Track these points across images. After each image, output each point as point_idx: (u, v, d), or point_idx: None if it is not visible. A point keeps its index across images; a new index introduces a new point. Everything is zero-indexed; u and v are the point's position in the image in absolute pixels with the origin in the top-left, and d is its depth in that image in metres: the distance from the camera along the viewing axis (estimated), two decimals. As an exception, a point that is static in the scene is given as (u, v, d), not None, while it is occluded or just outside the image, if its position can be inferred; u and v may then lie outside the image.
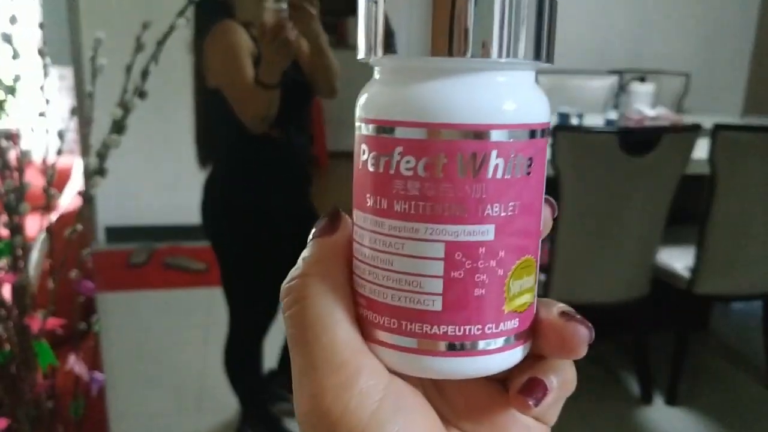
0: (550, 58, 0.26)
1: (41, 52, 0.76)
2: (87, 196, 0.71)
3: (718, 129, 1.81)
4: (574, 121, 2.31)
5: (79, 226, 0.72)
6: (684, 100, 3.36)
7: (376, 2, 0.25)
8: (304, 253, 0.28)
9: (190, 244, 3.30)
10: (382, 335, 0.26)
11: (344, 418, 0.24)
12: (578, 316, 0.27)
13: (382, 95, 0.26)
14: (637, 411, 2.03)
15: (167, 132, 3.19)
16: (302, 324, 0.26)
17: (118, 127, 0.66)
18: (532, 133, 0.25)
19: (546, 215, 0.28)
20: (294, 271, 0.27)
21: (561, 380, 0.27)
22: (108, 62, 0.72)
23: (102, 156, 0.64)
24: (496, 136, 0.24)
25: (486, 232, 0.25)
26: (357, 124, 0.26)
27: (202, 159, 1.63)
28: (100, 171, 0.64)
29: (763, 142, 1.82)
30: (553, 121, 2.35)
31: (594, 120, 2.47)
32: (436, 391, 0.28)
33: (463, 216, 0.24)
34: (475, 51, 0.24)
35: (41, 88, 0.76)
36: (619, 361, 2.31)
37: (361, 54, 0.26)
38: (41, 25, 0.77)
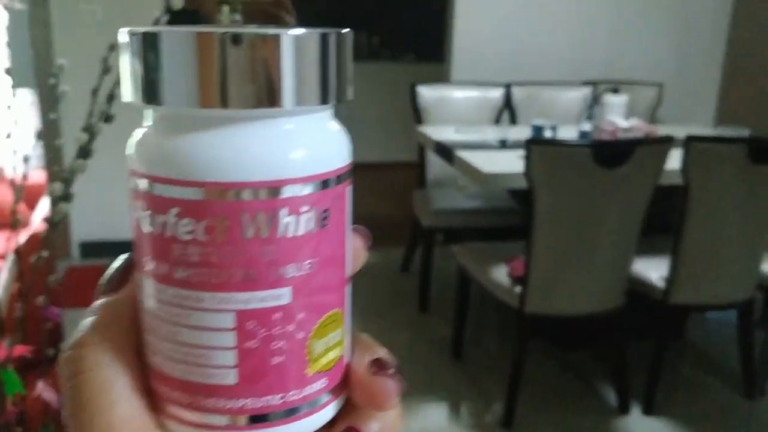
0: (342, 98, 0.23)
1: (8, 72, 0.74)
2: (53, 223, 0.69)
3: (690, 140, 1.83)
4: (548, 133, 2.32)
5: (45, 253, 0.70)
6: (657, 111, 3.40)
7: (139, 42, 0.22)
8: (86, 315, 0.24)
9: (166, 258, 3.26)
10: (177, 410, 0.23)
11: None
12: (389, 369, 0.25)
13: (154, 146, 0.22)
14: (614, 421, 2.04)
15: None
16: (78, 402, 0.22)
17: (84, 152, 0.65)
18: (325, 183, 0.23)
19: (357, 246, 0.26)
20: (71, 339, 0.24)
21: (380, 426, 0.25)
22: (78, 84, 0.71)
23: (68, 182, 0.63)
24: (284, 192, 0.22)
25: (281, 296, 0.22)
26: (128, 175, 0.23)
27: None
28: (66, 197, 0.63)
29: (736, 152, 1.85)
30: (527, 133, 2.37)
31: (568, 131, 2.49)
32: None
33: (253, 282, 0.22)
34: (252, 100, 0.21)
35: (9, 107, 0.75)
36: (596, 372, 2.31)
37: (126, 97, 0.23)
38: (8, 45, 0.76)
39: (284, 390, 0.23)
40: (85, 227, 3.42)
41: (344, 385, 0.25)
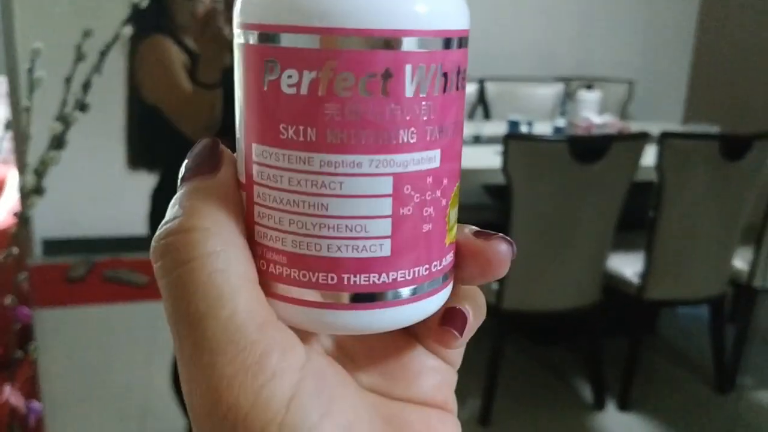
0: None
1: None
2: (23, 217, 0.65)
3: (665, 137, 1.84)
4: (524, 128, 2.32)
5: (15, 249, 0.66)
6: (628, 107, 3.43)
7: None
8: (181, 199, 0.22)
9: (132, 256, 3.19)
10: (316, 295, 0.21)
11: (254, 412, 0.19)
12: (496, 234, 0.24)
13: None
14: (590, 417, 2.04)
15: (104, 141, 3.08)
16: (191, 294, 0.20)
17: (58, 142, 0.61)
18: (461, 42, 0.22)
19: None
20: (170, 224, 0.21)
21: (474, 306, 0.24)
22: (46, 73, 0.67)
23: (40, 174, 0.59)
24: (452, 44, 0.21)
25: (433, 159, 0.21)
26: (249, 33, 0.21)
27: (133, 162, 1.57)
28: (38, 190, 0.59)
29: (708, 149, 1.86)
30: (501, 129, 2.36)
31: (543, 127, 2.49)
32: (338, 351, 0.24)
33: (412, 143, 0.21)
34: None
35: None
36: (572, 368, 2.32)
37: None
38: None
39: (429, 260, 0.22)
40: (47, 224, 3.32)
41: (455, 257, 0.24)
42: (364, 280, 0.21)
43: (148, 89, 1.42)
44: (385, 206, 0.21)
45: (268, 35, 0.20)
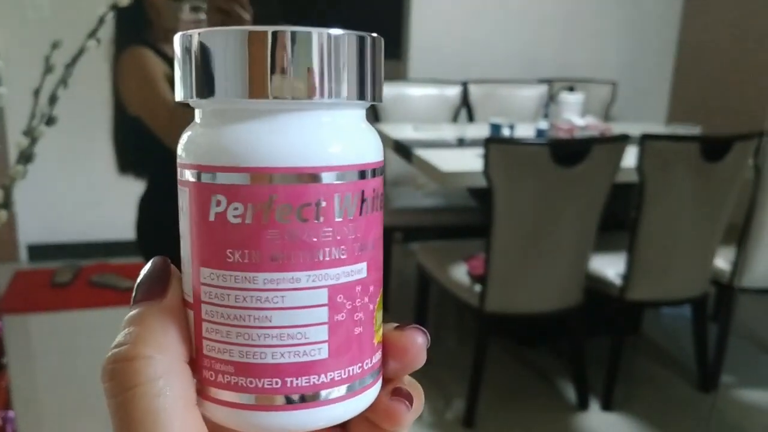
0: (376, 98, 0.26)
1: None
2: (-8, 231, 0.65)
3: (645, 138, 1.85)
4: (506, 132, 2.33)
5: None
6: (611, 109, 3.45)
7: (191, 44, 0.24)
8: (129, 325, 0.24)
9: (118, 260, 3.18)
10: (258, 399, 0.24)
11: None
12: (410, 324, 0.27)
13: (217, 140, 0.24)
14: (574, 417, 2.05)
15: (90, 145, 3.08)
16: (130, 419, 0.22)
17: (25, 157, 0.61)
18: (377, 171, 0.25)
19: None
20: (118, 350, 0.23)
21: (416, 392, 0.27)
22: (24, 83, 0.67)
23: (6, 189, 0.59)
24: (369, 174, 0.24)
25: (361, 270, 0.25)
26: (197, 172, 0.24)
27: (123, 167, 1.56)
28: (6, 205, 0.59)
29: (689, 150, 1.87)
30: (485, 131, 2.37)
31: (525, 130, 2.50)
32: None
33: (343, 258, 0.24)
34: (296, 92, 0.23)
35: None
36: (556, 369, 2.33)
37: (178, 96, 0.25)
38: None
39: (362, 359, 0.25)
40: (32, 229, 3.31)
41: None
42: (305, 382, 0.24)
43: (130, 101, 1.42)
44: (322, 314, 0.24)
45: (214, 174, 0.23)
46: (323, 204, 0.23)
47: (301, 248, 0.23)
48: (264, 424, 0.24)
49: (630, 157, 1.89)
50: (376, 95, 0.25)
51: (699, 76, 3.63)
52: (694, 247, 2.03)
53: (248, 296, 0.23)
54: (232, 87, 0.23)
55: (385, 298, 2.15)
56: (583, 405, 2.07)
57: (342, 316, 0.24)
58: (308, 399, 0.24)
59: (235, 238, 0.23)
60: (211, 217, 0.24)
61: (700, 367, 2.19)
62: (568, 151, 1.79)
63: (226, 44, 0.23)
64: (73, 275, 3.10)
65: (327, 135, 0.24)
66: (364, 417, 0.26)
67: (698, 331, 2.17)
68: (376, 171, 0.25)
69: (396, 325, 0.27)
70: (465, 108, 3.16)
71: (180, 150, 0.25)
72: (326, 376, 0.24)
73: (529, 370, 2.32)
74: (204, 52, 0.23)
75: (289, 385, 0.24)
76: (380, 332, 0.26)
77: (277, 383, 0.24)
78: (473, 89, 3.15)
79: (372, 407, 0.26)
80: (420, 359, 0.26)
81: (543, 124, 2.45)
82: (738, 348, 2.42)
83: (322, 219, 0.23)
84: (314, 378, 0.24)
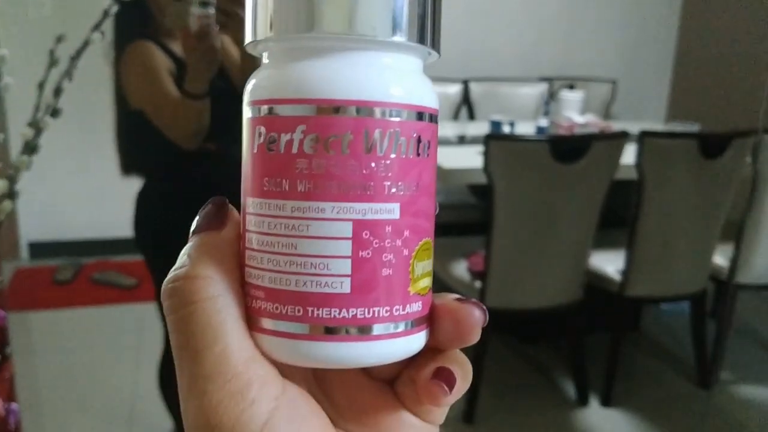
0: (436, 47, 0.26)
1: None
2: (-3, 222, 0.66)
3: (644, 135, 1.86)
4: (506, 129, 2.34)
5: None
6: (611, 107, 3.45)
7: None
8: (189, 250, 0.26)
9: (119, 258, 3.19)
10: (285, 326, 0.24)
11: (235, 430, 0.23)
12: (472, 299, 0.27)
13: (279, 76, 0.25)
14: (574, 413, 2.06)
15: (92, 142, 3.09)
16: (192, 331, 0.24)
17: (30, 147, 0.62)
18: (431, 117, 0.26)
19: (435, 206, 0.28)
20: (179, 271, 0.25)
21: (462, 372, 0.27)
22: (25, 77, 0.67)
23: (12, 179, 0.60)
24: (397, 115, 0.24)
25: (392, 211, 0.25)
26: (247, 108, 0.26)
27: (126, 167, 1.57)
28: (10, 195, 0.60)
29: (688, 147, 1.88)
30: (485, 129, 2.38)
31: (525, 127, 2.51)
32: (321, 394, 0.28)
33: (369, 194, 0.24)
34: (363, 28, 0.24)
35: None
36: (555, 365, 2.34)
37: (247, 38, 0.26)
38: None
39: (390, 303, 0.25)
40: (33, 226, 3.32)
41: (431, 319, 0.27)
42: (326, 314, 0.24)
43: (133, 95, 1.42)
44: (346, 248, 0.24)
45: (259, 108, 0.25)
46: (351, 137, 0.24)
47: (326, 179, 0.24)
48: (283, 350, 0.25)
49: (629, 154, 1.90)
50: (436, 44, 0.26)
51: (698, 74, 3.64)
52: (692, 243, 2.04)
53: (278, 223, 0.24)
54: (302, 23, 0.24)
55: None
56: (582, 401, 2.08)
57: (368, 253, 0.24)
58: (330, 332, 0.24)
59: (270, 167, 0.24)
60: (254, 149, 0.25)
61: (698, 363, 2.20)
62: (567, 148, 1.80)
63: None
64: (75, 273, 3.11)
65: (351, 66, 0.24)
66: (409, 379, 0.27)
67: (697, 327, 2.18)
68: (424, 115, 0.25)
69: (457, 296, 0.27)
70: (466, 106, 3.17)
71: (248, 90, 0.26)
72: (347, 312, 0.24)
73: (528, 366, 2.33)
74: None
75: (310, 314, 0.24)
76: (421, 283, 0.26)
77: (299, 311, 0.24)
78: (474, 87, 3.16)
79: (414, 379, 0.27)
80: (474, 335, 0.26)
81: (543, 122, 2.46)
82: (737, 344, 2.43)
83: (348, 152, 0.24)
84: (335, 311, 0.24)
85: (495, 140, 1.76)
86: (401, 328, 0.25)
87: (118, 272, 3.08)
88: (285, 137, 0.24)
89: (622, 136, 1.85)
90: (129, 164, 1.56)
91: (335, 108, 0.24)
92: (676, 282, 2.10)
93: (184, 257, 0.25)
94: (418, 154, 0.25)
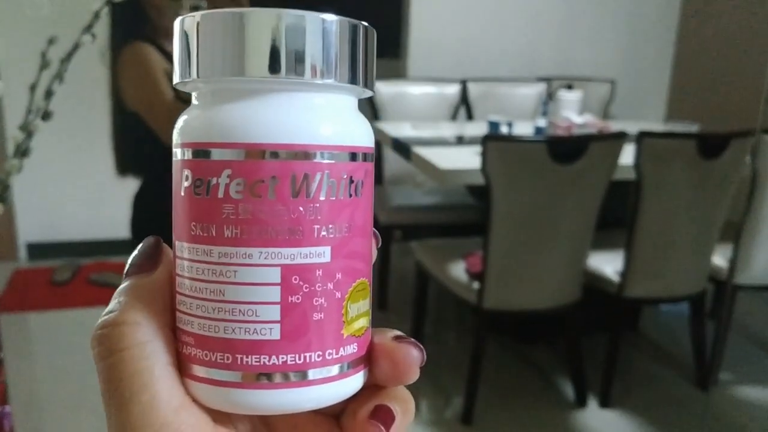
0: (368, 85, 0.26)
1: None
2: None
3: (642, 136, 1.85)
4: (504, 129, 2.33)
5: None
6: (610, 107, 3.45)
7: (189, 25, 0.24)
8: (119, 295, 0.25)
9: (118, 259, 3.19)
10: (216, 373, 0.24)
11: None
12: (410, 339, 0.27)
13: (205, 118, 0.24)
14: (572, 415, 2.05)
15: (90, 144, 3.08)
16: (119, 378, 0.23)
17: (21, 151, 0.62)
18: (363, 156, 0.25)
19: (371, 245, 0.27)
20: (107, 317, 0.24)
21: (403, 409, 0.27)
22: (23, 80, 0.67)
23: (3, 183, 0.60)
24: (327, 157, 0.24)
25: (323, 254, 0.24)
26: (176, 150, 0.25)
27: (122, 167, 1.57)
28: (2, 199, 0.60)
29: (686, 148, 1.88)
30: (483, 129, 2.37)
31: (523, 127, 2.50)
32: (267, 430, 0.27)
33: (298, 238, 0.24)
34: (290, 70, 0.23)
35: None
36: (554, 366, 2.33)
37: (176, 78, 0.26)
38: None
39: (323, 348, 0.24)
40: (31, 227, 3.31)
41: (369, 358, 0.27)
42: (255, 361, 0.24)
43: (129, 96, 1.42)
44: (274, 294, 0.23)
45: (184, 151, 0.25)
46: (277, 182, 0.23)
47: (253, 224, 0.23)
48: (215, 398, 0.24)
49: (628, 155, 1.89)
50: (368, 82, 0.26)
51: (697, 74, 3.63)
52: (691, 244, 2.03)
53: (205, 269, 0.24)
54: (229, 66, 0.23)
55: (383, 296, 2.15)
56: (581, 402, 2.08)
57: (297, 299, 0.24)
58: (259, 379, 0.24)
59: (198, 212, 0.24)
60: (182, 192, 0.25)
61: (697, 364, 2.20)
62: (565, 148, 1.80)
63: (224, 25, 0.23)
64: (73, 274, 3.11)
65: (288, 110, 0.24)
66: (352, 413, 0.26)
67: (696, 328, 2.18)
68: (357, 155, 0.25)
69: (396, 334, 0.27)
70: (464, 106, 3.17)
71: (176, 131, 0.26)
72: (278, 358, 0.24)
73: (527, 367, 2.32)
74: (202, 33, 0.24)
75: (240, 362, 0.24)
76: (357, 325, 0.26)
77: (228, 358, 0.24)
78: (472, 87, 3.15)
79: (352, 419, 0.26)
80: (411, 374, 0.26)
81: (541, 122, 2.46)
82: (736, 345, 2.43)
83: (275, 197, 0.23)
84: (265, 358, 0.24)
85: (493, 141, 1.76)
86: (335, 371, 0.25)
87: (116, 273, 3.07)
88: (211, 181, 0.24)
89: (621, 137, 1.84)
90: (125, 165, 1.56)
91: (261, 152, 0.23)
92: (675, 283, 2.09)
93: (114, 302, 0.25)
94: (350, 195, 0.25)
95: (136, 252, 0.26)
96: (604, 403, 2.07)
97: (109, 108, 1.53)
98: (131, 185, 1.57)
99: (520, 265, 1.89)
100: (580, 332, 2.06)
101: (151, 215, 1.54)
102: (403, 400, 0.27)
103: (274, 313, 0.24)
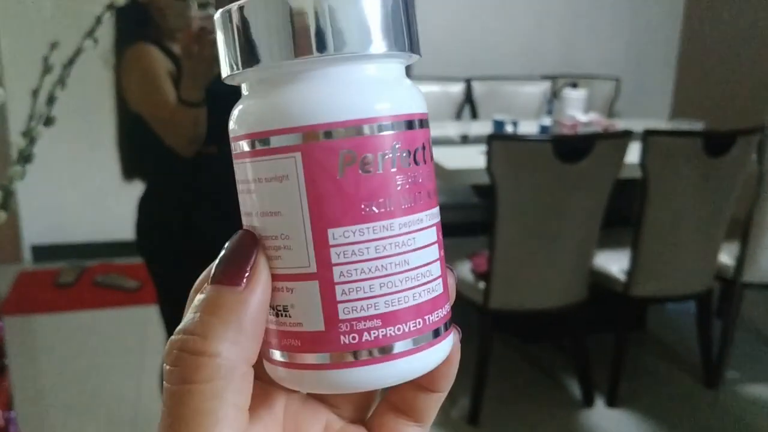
0: (414, 49, 0.26)
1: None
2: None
3: (648, 134, 1.84)
4: (509, 128, 2.32)
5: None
6: (615, 105, 3.44)
7: (231, 16, 0.24)
8: (202, 310, 0.23)
9: (122, 260, 3.19)
10: (412, 342, 0.24)
11: None
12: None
13: (370, 95, 0.24)
14: (579, 414, 2.05)
15: (94, 146, 3.08)
16: (181, 414, 0.22)
17: (24, 157, 0.61)
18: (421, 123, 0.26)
19: None
20: (187, 338, 0.22)
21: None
22: (27, 85, 0.67)
23: (6, 189, 0.59)
24: (425, 125, 0.25)
25: (439, 213, 0.26)
26: (337, 130, 0.24)
27: (128, 172, 1.56)
28: (4, 206, 0.59)
29: (691, 145, 1.86)
30: (488, 128, 2.36)
31: (528, 126, 2.49)
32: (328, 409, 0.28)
33: (434, 199, 0.25)
34: (340, 45, 0.23)
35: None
36: (560, 365, 2.33)
37: (225, 72, 0.25)
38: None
39: (449, 298, 0.27)
40: (36, 230, 3.32)
41: None
42: (436, 317, 0.25)
43: (133, 97, 1.42)
44: (437, 251, 0.25)
45: (352, 129, 0.23)
46: (426, 147, 0.25)
47: (420, 190, 0.24)
48: (415, 366, 0.25)
49: (633, 153, 1.88)
50: (414, 47, 0.26)
51: (702, 72, 3.62)
52: (698, 242, 2.02)
53: (387, 244, 0.24)
54: (277, 51, 0.23)
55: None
56: (587, 401, 2.07)
57: (442, 252, 0.26)
58: (439, 332, 0.25)
59: (368, 190, 0.23)
60: (340, 174, 0.23)
61: (704, 362, 2.19)
62: (571, 147, 1.79)
63: (267, 10, 0.23)
64: (77, 276, 3.11)
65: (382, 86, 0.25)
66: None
67: (703, 326, 2.16)
68: (423, 122, 0.26)
69: None
70: (468, 105, 3.16)
71: (232, 123, 0.25)
72: (444, 309, 0.25)
73: (533, 366, 2.32)
74: (245, 22, 0.24)
75: (428, 322, 0.25)
76: None
77: (419, 323, 0.24)
78: (477, 86, 3.14)
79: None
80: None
81: (546, 121, 2.45)
82: (742, 343, 2.42)
83: (426, 162, 0.25)
84: (440, 312, 0.25)
85: (498, 140, 1.75)
86: (449, 324, 0.27)
87: (120, 275, 3.07)
88: (382, 156, 0.24)
89: (626, 135, 1.83)
90: (130, 169, 1.56)
91: (419, 121, 0.25)
92: (682, 281, 2.08)
93: (196, 318, 0.23)
94: (432, 159, 0.26)
95: (226, 248, 0.24)
96: (611, 402, 2.07)
97: (113, 110, 1.52)
98: (136, 187, 1.56)
99: (525, 264, 1.89)
100: (586, 332, 2.05)
101: (156, 219, 1.53)
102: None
103: (438, 268, 0.25)
